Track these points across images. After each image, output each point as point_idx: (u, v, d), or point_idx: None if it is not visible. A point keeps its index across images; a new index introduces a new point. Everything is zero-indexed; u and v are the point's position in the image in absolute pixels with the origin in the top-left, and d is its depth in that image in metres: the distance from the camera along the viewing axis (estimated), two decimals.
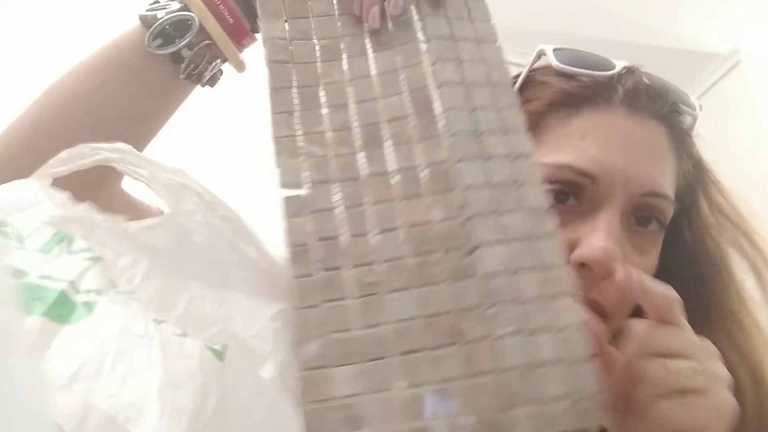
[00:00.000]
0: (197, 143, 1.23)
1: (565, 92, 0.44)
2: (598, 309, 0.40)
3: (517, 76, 0.48)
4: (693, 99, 0.46)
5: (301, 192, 0.31)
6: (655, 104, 0.44)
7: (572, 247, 0.41)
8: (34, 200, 0.31)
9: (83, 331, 0.26)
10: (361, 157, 0.32)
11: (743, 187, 0.50)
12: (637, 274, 0.32)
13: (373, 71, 0.35)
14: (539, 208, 0.32)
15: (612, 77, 0.44)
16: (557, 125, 0.44)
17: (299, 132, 0.33)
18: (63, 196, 0.32)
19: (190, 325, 0.31)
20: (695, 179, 0.47)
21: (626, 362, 0.32)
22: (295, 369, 0.28)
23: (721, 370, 0.32)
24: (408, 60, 0.35)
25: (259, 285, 0.34)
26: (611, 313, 0.40)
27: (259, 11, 0.36)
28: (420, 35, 0.36)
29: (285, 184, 0.31)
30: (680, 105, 0.45)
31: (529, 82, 0.47)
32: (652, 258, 0.44)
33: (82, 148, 0.34)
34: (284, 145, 0.32)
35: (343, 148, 0.32)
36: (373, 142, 0.33)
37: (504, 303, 0.29)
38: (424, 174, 0.32)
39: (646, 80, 0.44)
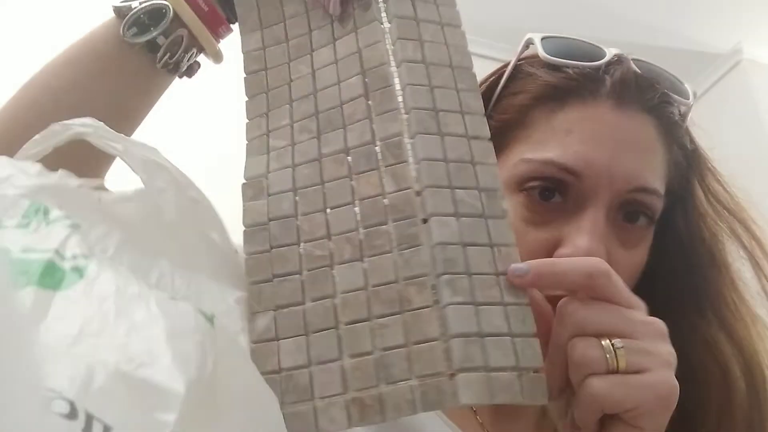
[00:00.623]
0: (177, 139, 1.27)
1: (551, 85, 0.47)
2: None
3: (505, 66, 0.50)
4: (687, 86, 0.48)
5: (261, 179, 0.37)
6: (644, 95, 0.46)
7: (556, 246, 0.43)
8: (5, 175, 0.33)
9: (78, 293, 0.29)
10: (319, 141, 0.37)
11: (743, 187, 0.52)
12: (544, 262, 0.33)
13: (337, 57, 0.39)
14: (492, 189, 0.35)
15: (599, 68, 0.46)
16: (543, 119, 0.46)
17: (267, 130, 0.39)
18: (35, 167, 0.34)
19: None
20: (689, 169, 0.49)
21: (557, 344, 0.33)
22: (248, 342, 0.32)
23: (664, 349, 0.33)
24: (368, 40, 0.39)
25: (223, 270, 0.38)
26: None
27: (240, 29, 0.42)
28: (383, 16, 0.39)
29: (248, 179, 0.38)
30: (671, 95, 0.47)
31: (517, 74, 0.49)
32: (641, 253, 0.46)
33: (54, 126, 0.36)
34: (254, 145, 0.39)
35: (304, 135, 0.38)
36: (330, 125, 0.37)
37: (453, 274, 0.32)
38: (377, 149, 0.36)
39: (635, 70, 0.46)
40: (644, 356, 0.32)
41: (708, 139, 0.53)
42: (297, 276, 0.34)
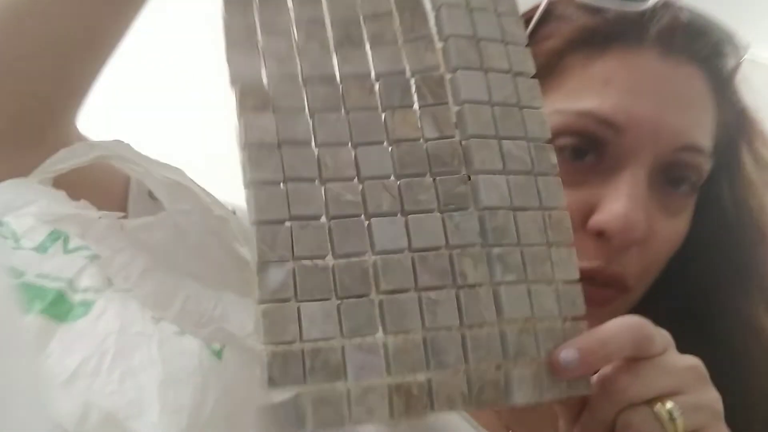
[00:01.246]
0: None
1: (589, 28, 0.39)
2: (619, 282, 0.37)
3: (535, 8, 0.42)
4: (740, 39, 0.41)
5: (261, 86, 0.26)
6: (694, 45, 0.38)
7: (590, 211, 0.36)
8: (29, 199, 0.32)
9: (82, 329, 0.27)
10: (336, 56, 0.27)
11: None
12: (591, 347, 0.27)
13: None
14: (541, 139, 0.29)
15: (644, 12, 0.38)
16: (578, 67, 0.38)
17: (257, 22, 0.27)
18: (59, 194, 0.33)
19: (186, 323, 0.31)
20: (737, 131, 0.42)
21: (601, 419, 0.28)
22: (256, 301, 0.24)
23: (712, 396, 0.29)
24: None
25: (254, 285, 0.34)
26: (633, 286, 0.37)
27: None
28: None
29: (237, 79, 0.26)
30: (723, 46, 0.40)
31: (547, 16, 0.41)
32: (683, 222, 0.39)
33: (77, 146, 0.35)
34: (236, 36, 0.26)
35: (312, 44, 0.27)
36: (349, 40, 0.27)
37: (505, 246, 0.27)
38: (411, 82, 0.28)
39: (684, 16, 0.39)
40: (698, 413, 0.27)
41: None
42: (323, 222, 0.25)
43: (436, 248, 0.26)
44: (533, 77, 0.30)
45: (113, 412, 0.25)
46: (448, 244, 0.26)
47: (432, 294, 0.25)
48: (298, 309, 0.24)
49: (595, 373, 0.28)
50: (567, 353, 0.27)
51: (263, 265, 0.24)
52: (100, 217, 0.33)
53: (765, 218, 0.42)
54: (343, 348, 0.24)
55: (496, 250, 0.26)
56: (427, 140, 0.27)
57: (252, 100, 0.26)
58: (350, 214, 0.25)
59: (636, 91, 0.37)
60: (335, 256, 0.25)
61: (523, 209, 0.27)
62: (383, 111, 0.27)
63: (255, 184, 0.25)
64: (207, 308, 0.34)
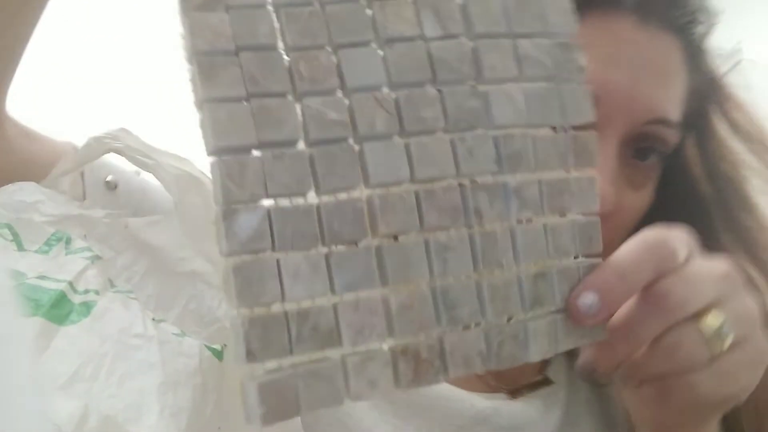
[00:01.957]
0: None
1: None
2: None
3: None
4: (711, 5, 0.40)
5: None
6: (671, 12, 0.37)
7: None
8: (32, 200, 0.32)
9: (81, 331, 0.26)
10: None
11: None
12: (611, 283, 0.24)
13: None
14: (565, 35, 0.23)
15: None
16: None
17: None
18: (62, 195, 0.33)
19: (188, 323, 0.31)
20: (707, 98, 0.41)
21: (643, 336, 0.25)
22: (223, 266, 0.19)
23: (750, 303, 0.26)
24: None
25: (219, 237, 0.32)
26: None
27: None
28: None
29: None
30: (699, 14, 0.39)
31: None
32: (647, 193, 0.38)
33: (92, 142, 0.34)
34: None
35: None
36: None
37: (521, 174, 0.22)
38: None
39: None
40: (740, 323, 0.25)
41: None
42: (301, 150, 0.19)
43: (445, 179, 0.21)
44: None
45: (112, 415, 0.24)
46: (460, 173, 0.21)
47: (441, 236, 0.20)
48: (278, 262, 0.18)
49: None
50: (586, 298, 0.23)
51: (230, 208, 0.18)
52: (105, 216, 0.32)
53: (738, 180, 0.40)
54: (335, 308, 0.19)
55: (512, 182, 0.22)
56: (428, 40, 0.21)
57: None
58: (336, 137, 0.19)
59: (612, 60, 0.36)
60: (320, 193, 0.19)
61: (543, 125, 0.23)
62: (371, 3, 0.21)
63: (210, 103, 0.18)
64: (210, 307, 0.33)
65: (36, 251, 0.30)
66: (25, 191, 0.32)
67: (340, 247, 0.19)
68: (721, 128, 0.41)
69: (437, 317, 0.20)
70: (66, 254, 0.30)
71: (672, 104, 0.37)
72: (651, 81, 0.36)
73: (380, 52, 0.21)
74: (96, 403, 0.24)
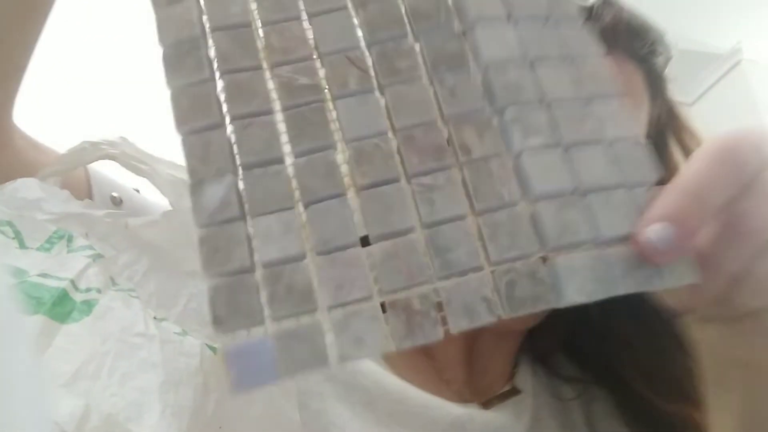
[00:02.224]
0: None
1: None
2: None
3: None
4: (669, 39, 0.43)
5: None
6: (634, 43, 0.40)
7: None
8: (34, 198, 0.32)
9: (83, 330, 0.26)
10: None
11: None
12: (674, 200, 0.19)
13: None
14: None
15: (587, 10, 0.39)
16: None
17: None
18: (64, 193, 0.33)
19: (190, 322, 0.30)
20: (665, 125, 0.43)
21: (739, 258, 0.21)
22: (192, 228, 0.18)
23: None
24: None
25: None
26: None
27: None
28: None
29: None
30: (658, 45, 0.41)
31: None
32: None
33: (84, 144, 0.34)
34: None
35: None
36: None
37: (521, 104, 0.20)
38: None
39: (625, 16, 0.40)
40: None
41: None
42: (269, 117, 0.19)
43: (427, 123, 0.19)
44: None
45: (114, 414, 0.24)
46: (443, 116, 0.20)
47: (425, 179, 0.19)
48: (246, 229, 0.18)
49: None
50: (656, 230, 0.19)
51: (196, 183, 0.18)
52: (105, 215, 0.32)
53: None
54: (310, 266, 0.18)
55: (509, 112, 0.20)
56: None
57: None
58: (307, 101, 0.19)
59: None
60: (293, 155, 0.19)
61: (543, 60, 0.21)
62: None
63: (174, 91, 0.19)
64: None
65: (38, 249, 0.30)
66: (26, 189, 0.32)
67: (315, 206, 0.18)
68: (677, 155, 0.43)
69: (429, 265, 0.18)
70: (68, 252, 0.29)
71: (638, 128, 0.38)
72: None
73: (353, 16, 0.21)
74: (97, 402, 0.24)
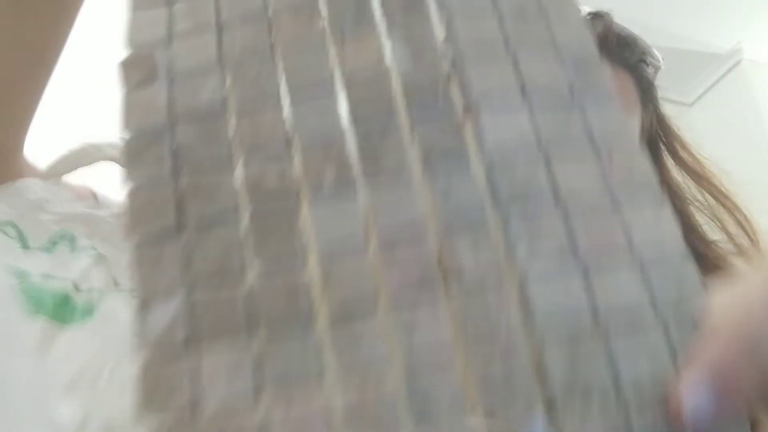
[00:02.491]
0: None
1: None
2: None
3: None
4: (655, 53, 0.44)
5: (154, 50, 0.19)
6: (625, 52, 0.42)
7: None
8: (37, 198, 0.32)
9: (85, 332, 0.26)
10: None
11: (743, 187, 0.47)
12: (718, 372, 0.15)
13: None
14: (583, 45, 0.19)
15: None
16: None
17: None
18: (67, 193, 0.33)
19: None
20: (657, 134, 0.45)
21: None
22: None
23: None
24: None
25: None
26: None
27: None
28: None
29: (131, 48, 0.19)
30: (648, 55, 0.43)
31: None
32: None
33: (87, 146, 0.34)
34: None
35: None
36: None
37: (532, 210, 0.16)
38: None
39: (615, 26, 0.42)
40: None
41: (708, 139, 0.48)
42: (230, 224, 0.16)
43: (413, 237, 0.16)
44: None
45: (112, 419, 0.24)
46: (436, 224, 0.16)
47: (405, 315, 0.15)
48: (196, 359, 0.15)
49: None
50: (692, 398, 0.14)
51: (143, 300, 0.16)
52: (109, 215, 0.32)
53: (689, 213, 0.43)
54: (262, 414, 0.15)
55: (515, 221, 0.16)
56: (395, 68, 0.18)
57: (137, 72, 0.18)
58: (275, 206, 0.16)
59: None
60: (252, 273, 0.16)
61: (560, 149, 0.17)
62: (332, 43, 0.18)
63: (130, 189, 0.17)
64: None
65: (40, 249, 0.29)
66: (30, 189, 0.32)
67: (273, 337, 0.15)
68: (669, 164, 0.44)
69: (402, 417, 0.14)
70: (71, 252, 0.29)
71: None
72: None
73: (337, 97, 0.18)
74: (97, 409, 0.24)
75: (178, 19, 0.19)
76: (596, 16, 0.41)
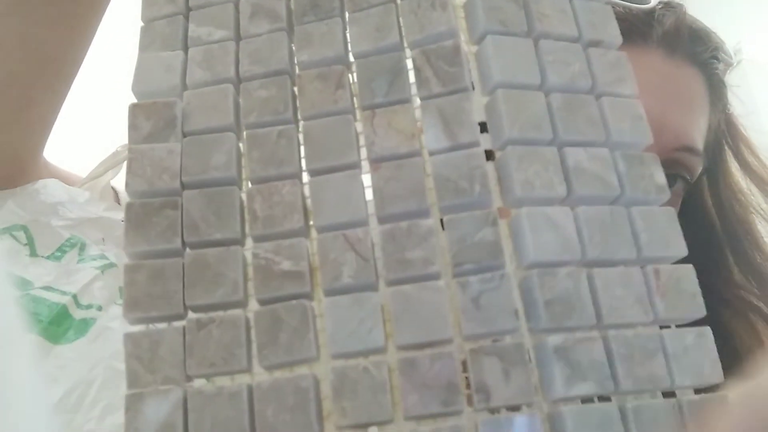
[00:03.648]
0: None
1: None
2: None
3: None
4: (729, 48, 0.42)
5: (167, 98, 0.17)
6: (696, 47, 0.38)
7: None
8: (52, 202, 0.31)
9: (74, 353, 0.25)
10: (290, 36, 0.18)
11: None
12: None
13: None
14: (637, 145, 0.18)
15: (650, 12, 0.37)
16: None
17: (186, 8, 0.18)
18: (85, 195, 0.32)
19: None
20: (724, 136, 0.42)
21: None
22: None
23: None
24: None
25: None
26: None
27: None
28: None
29: (139, 95, 0.17)
30: (720, 52, 0.40)
31: None
32: None
33: (119, 148, 0.34)
34: (155, 32, 0.18)
35: (260, 23, 0.18)
36: (315, 6, 0.18)
37: (572, 330, 0.15)
38: (406, 61, 0.17)
39: (688, 19, 0.39)
40: None
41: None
42: (235, 313, 0.15)
43: (436, 347, 0.14)
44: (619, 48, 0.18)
45: None
46: (461, 335, 0.14)
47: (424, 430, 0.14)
48: None
49: None
50: None
51: (135, 395, 0.14)
52: (123, 221, 0.32)
53: (747, 221, 0.41)
54: None
55: (552, 341, 0.14)
56: (431, 154, 0.16)
57: (148, 123, 0.16)
58: (286, 294, 0.15)
59: (643, 89, 0.38)
60: (256, 373, 0.15)
61: (604, 260, 0.15)
62: (358, 113, 0.16)
63: (130, 260, 0.15)
64: None
65: (48, 258, 0.29)
66: (48, 191, 0.31)
67: None
68: (734, 167, 0.41)
69: None
70: (78, 261, 0.29)
71: (698, 133, 0.37)
72: (678, 110, 0.36)
73: (362, 178, 0.16)
74: None
75: (194, 67, 0.17)
76: (667, 7, 0.38)
